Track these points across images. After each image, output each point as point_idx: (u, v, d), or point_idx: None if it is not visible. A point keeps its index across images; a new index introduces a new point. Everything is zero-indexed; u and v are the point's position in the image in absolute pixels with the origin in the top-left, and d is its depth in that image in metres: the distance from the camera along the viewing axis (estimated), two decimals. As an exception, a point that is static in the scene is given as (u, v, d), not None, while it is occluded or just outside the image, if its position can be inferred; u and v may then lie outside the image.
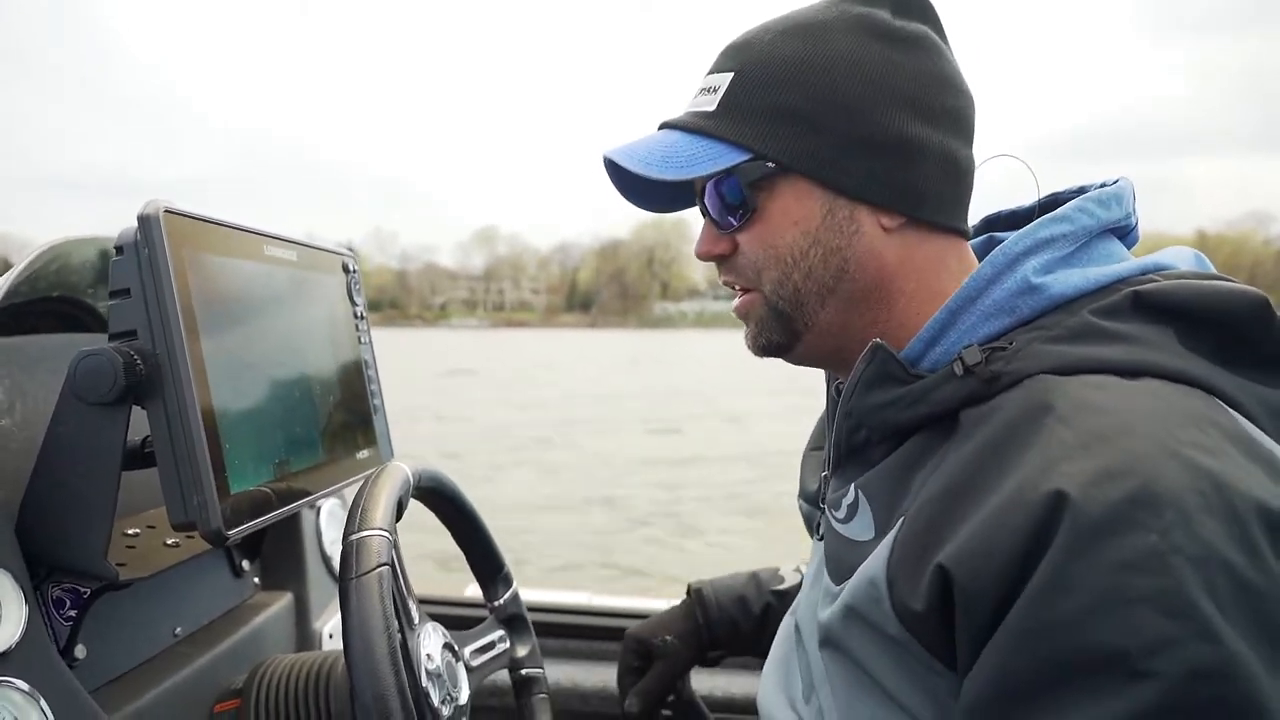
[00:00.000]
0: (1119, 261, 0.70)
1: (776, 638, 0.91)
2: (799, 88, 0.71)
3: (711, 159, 0.73)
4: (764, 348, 0.78)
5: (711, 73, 0.77)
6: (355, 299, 1.04)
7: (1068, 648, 0.51)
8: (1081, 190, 0.77)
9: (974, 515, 0.58)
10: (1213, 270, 0.72)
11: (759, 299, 0.76)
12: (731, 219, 0.75)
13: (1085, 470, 0.54)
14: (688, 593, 1.10)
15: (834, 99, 0.71)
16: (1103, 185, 0.75)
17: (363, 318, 1.06)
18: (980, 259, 0.79)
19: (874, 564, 0.65)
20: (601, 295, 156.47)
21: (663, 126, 0.79)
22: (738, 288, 0.78)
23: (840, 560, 0.72)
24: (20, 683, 0.65)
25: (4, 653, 0.64)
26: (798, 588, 1.09)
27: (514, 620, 1.06)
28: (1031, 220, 0.82)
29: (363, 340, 1.04)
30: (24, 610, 0.66)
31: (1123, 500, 0.52)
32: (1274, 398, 0.63)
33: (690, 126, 0.75)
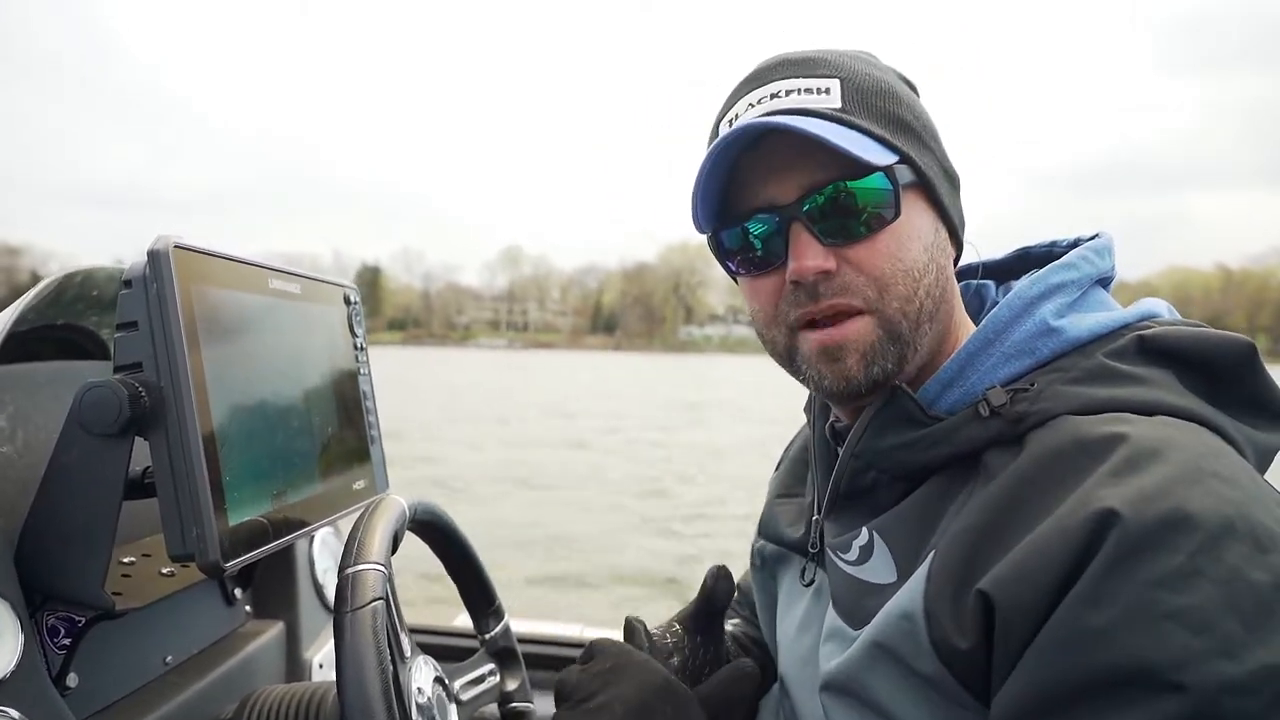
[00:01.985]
0: (1110, 308, 0.73)
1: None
2: (905, 105, 0.73)
3: (868, 151, 0.67)
4: (873, 380, 0.70)
5: (794, 77, 0.71)
6: (356, 330, 1.06)
7: (1097, 660, 0.53)
8: (1053, 245, 0.80)
9: (1014, 544, 0.59)
10: (1181, 318, 0.75)
11: (870, 323, 0.69)
12: (859, 228, 0.68)
13: (1125, 492, 0.56)
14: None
15: (926, 123, 0.74)
16: (1075, 240, 0.78)
17: (363, 349, 1.07)
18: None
19: (906, 598, 0.65)
20: (626, 318, 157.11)
21: (783, 113, 0.70)
22: (824, 317, 0.70)
23: (857, 604, 0.72)
24: (13, 712, 0.65)
25: (0, 681, 0.64)
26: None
27: (505, 654, 1.06)
28: (1008, 272, 0.84)
29: (362, 372, 1.05)
30: (19, 639, 0.67)
31: (1157, 520, 0.54)
32: (1259, 438, 0.66)
33: (827, 115, 0.69)
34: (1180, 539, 0.53)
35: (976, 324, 0.73)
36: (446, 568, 1.02)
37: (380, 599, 0.71)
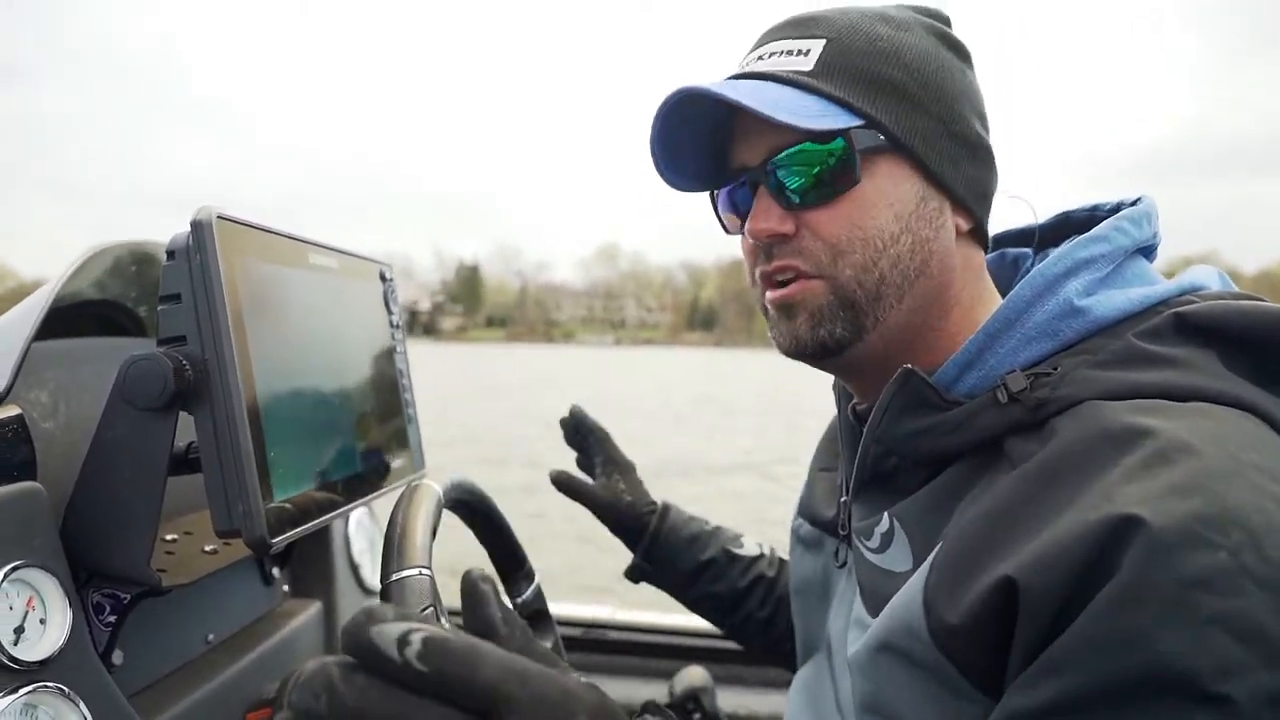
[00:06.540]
0: (1151, 281, 0.68)
1: (801, 655, 0.90)
2: (902, 65, 0.68)
3: (824, 116, 0.66)
4: (819, 342, 0.70)
5: (785, 39, 0.71)
6: (392, 308, 1.04)
7: (1136, 662, 0.49)
8: (1094, 209, 0.75)
9: (1034, 532, 0.56)
10: (1236, 289, 0.70)
11: (822, 287, 0.69)
12: (815, 193, 0.68)
13: (1152, 489, 0.52)
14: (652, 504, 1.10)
15: (934, 84, 0.69)
16: (1118, 204, 0.73)
17: (399, 327, 1.06)
18: (993, 276, 0.77)
19: (909, 590, 0.62)
20: (724, 314, 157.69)
21: (743, 76, 0.70)
22: (782, 277, 0.71)
23: (876, 593, 0.69)
24: (63, 688, 0.65)
25: (49, 658, 0.64)
26: (756, 559, 1.08)
27: (537, 615, 1.05)
28: (1036, 239, 0.79)
29: (398, 350, 1.04)
30: (68, 615, 0.66)
31: (1191, 516, 0.50)
32: None
33: (789, 81, 0.68)
34: (1219, 536, 0.49)
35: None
36: (476, 535, 1.01)
37: (428, 607, 0.68)
